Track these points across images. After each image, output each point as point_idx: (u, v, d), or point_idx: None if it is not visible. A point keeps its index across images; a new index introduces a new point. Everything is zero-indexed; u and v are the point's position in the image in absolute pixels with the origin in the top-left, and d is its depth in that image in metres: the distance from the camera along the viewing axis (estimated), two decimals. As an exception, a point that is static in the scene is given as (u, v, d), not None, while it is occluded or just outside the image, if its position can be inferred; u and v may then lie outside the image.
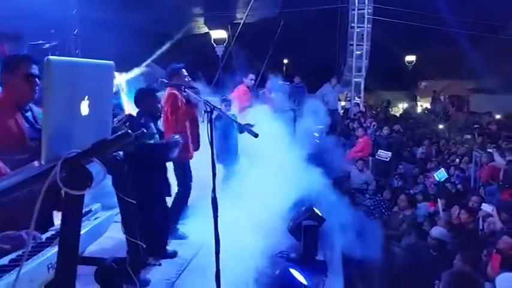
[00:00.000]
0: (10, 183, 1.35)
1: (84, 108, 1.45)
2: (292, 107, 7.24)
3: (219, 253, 2.97)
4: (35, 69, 2.47)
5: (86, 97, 1.44)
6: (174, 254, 4.19)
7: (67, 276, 1.39)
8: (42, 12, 7.10)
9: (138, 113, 3.95)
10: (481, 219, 6.27)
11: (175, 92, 4.15)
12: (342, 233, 5.03)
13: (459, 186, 8.58)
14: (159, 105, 3.99)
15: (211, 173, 3.01)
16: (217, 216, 3.00)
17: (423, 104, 19.27)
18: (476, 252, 4.90)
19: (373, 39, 14.37)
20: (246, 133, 3.77)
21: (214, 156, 3.09)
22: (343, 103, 15.06)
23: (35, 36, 7.17)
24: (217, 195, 3.01)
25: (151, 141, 3.68)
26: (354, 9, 14.21)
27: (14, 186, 1.33)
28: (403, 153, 11.22)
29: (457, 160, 10.34)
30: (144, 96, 3.95)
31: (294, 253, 4.41)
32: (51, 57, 1.31)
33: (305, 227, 4.35)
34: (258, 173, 4.83)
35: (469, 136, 12.57)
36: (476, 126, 13.77)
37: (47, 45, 7.24)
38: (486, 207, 6.21)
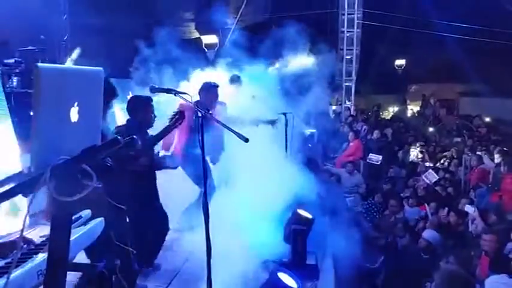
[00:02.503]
0: (2, 188, 1.36)
1: (74, 114, 1.45)
2: (283, 111, 7.25)
3: (210, 259, 2.96)
4: None
5: (76, 104, 1.45)
6: (158, 267, 4.14)
7: (56, 283, 1.39)
8: (32, 17, 7.07)
9: (128, 121, 3.84)
10: (470, 221, 6.34)
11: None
12: (333, 236, 5.05)
13: (449, 189, 8.66)
14: (153, 115, 3.85)
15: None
16: (208, 222, 3.00)
17: (413, 108, 19.42)
18: (467, 253, 4.96)
19: (362, 43, 14.49)
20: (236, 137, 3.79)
21: (206, 160, 3.09)
22: (334, 107, 15.14)
23: (24, 41, 7.12)
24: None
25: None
26: (343, 14, 14.32)
27: (5, 192, 1.34)
28: (393, 157, 11.30)
29: (446, 163, 10.44)
30: (139, 105, 3.82)
31: (285, 258, 4.42)
32: (40, 64, 1.32)
33: (294, 231, 4.37)
34: (248, 177, 4.83)
35: (459, 139, 12.69)
36: (466, 129, 13.93)
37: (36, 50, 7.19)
38: (469, 209, 6.31)
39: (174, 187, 4.57)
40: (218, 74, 6.78)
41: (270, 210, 4.64)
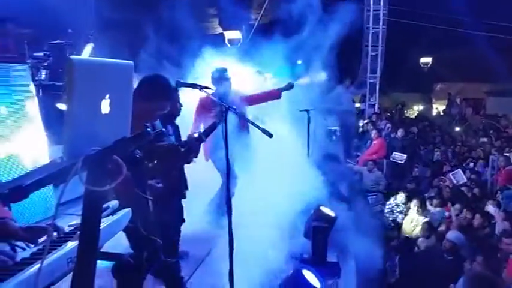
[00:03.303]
0: (34, 179, 1.39)
1: (105, 107, 1.47)
2: (306, 108, 7.21)
3: (232, 252, 2.98)
4: None
5: (107, 96, 1.47)
6: (186, 254, 4.19)
7: (86, 271, 1.42)
8: (60, 11, 7.20)
9: None
10: (496, 223, 6.21)
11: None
12: (356, 235, 5.00)
13: (475, 190, 8.47)
14: (179, 104, 3.85)
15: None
16: (231, 216, 3.01)
17: (438, 107, 19.06)
18: (495, 256, 4.86)
19: (388, 40, 14.27)
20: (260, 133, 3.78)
21: (229, 156, 3.10)
22: (357, 104, 14.97)
23: (53, 35, 7.27)
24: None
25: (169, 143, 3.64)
26: (369, 10, 14.12)
27: (38, 181, 1.37)
28: (418, 156, 11.12)
29: (472, 164, 10.21)
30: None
31: (307, 254, 4.41)
32: (73, 56, 1.34)
33: (314, 228, 4.35)
34: (271, 173, 4.83)
35: (485, 139, 12.40)
36: (492, 129, 13.60)
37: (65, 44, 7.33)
38: (491, 209, 6.19)
39: (197, 177, 4.60)
40: (241, 69, 6.80)
41: (291, 205, 4.64)
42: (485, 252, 4.92)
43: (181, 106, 3.89)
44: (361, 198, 7.68)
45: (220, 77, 4.97)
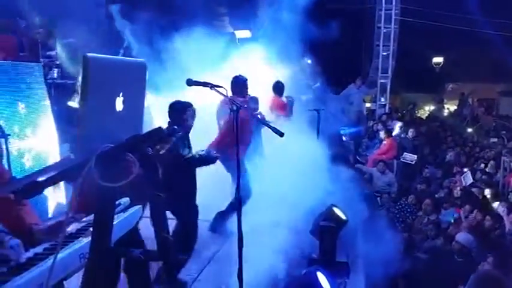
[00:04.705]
0: (47, 175, 1.41)
1: (119, 104, 1.49)
2: (316, 108, 7.20)
3: (241, 250, 2.99)
4: None
5: (121, 93, 1.49)
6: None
7: (99, 266, 1.44)
8: (72, 10, 7.26)
9: (169, 124, 3.86)
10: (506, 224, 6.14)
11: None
12: (365, 235, 4.98)
13: (486, 191, 8.37)
14: (189, 121, 3.92)
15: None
16: (240, 214, 3.02)
17: (449, 107, 18.87)
18: (507, 257, 4.81)
19: (400, 40, 14.16)
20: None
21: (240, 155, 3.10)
22: (368, 104, 14.88)
23: (66, 33, 7.33)
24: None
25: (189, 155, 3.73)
26: (381, 10, 14.03)
27: (52, 177, 1.39)
28: (429, 157, 11.02)
29: (482, 165, 10.09)
30: (175, 112, 3.88)
31: (315, 254, 4.41)
32: (89, 54, 1.36)
33: (322, 228, 4.33)
34: (282, 172, 4.83)
35: (495, 140, 12.25)
36: (504, 130, 13.43)
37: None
38: (500, 209, 6.13)
39: (208, 178, 4.63)
40: (252, 67, 6.85)
41: (299, 206, 4.63)
42: (495, 253, 4.86)
43: (193, 122, 3.95)
44: (370, 199, 7.64)
45: (238, 80, 5.04)
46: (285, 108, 6.87)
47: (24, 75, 4.77)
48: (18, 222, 1.86)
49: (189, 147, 3.97)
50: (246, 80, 5.17)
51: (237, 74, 5.21)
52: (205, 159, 3.96)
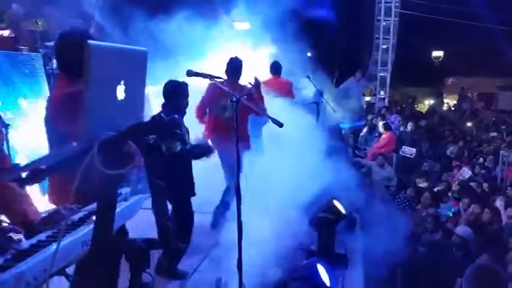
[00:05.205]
0: (50, 162, 1.42)
1: (120, 92, 1.49)
2: (315, 100, 7.20)
3: (241, 241, 3.00)
4: None
5: (122, 82, 1.49)
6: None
7: (101, 253, 1.45)
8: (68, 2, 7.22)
9: (163, 107, 3.80)
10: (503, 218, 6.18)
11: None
12: (364, 227, 5.01)
13: (484, 185, 8.40)
14: (187, 100, 3.85)
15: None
16: (240, 204, 3.02)
17: (449, 101, 18.88)
18: (502, 251, 4.84)
19: (399, 33, 14.13)
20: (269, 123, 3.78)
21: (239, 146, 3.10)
22: (367, 98, 14.88)
23: (64, 24, 7.30)
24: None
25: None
26: (380, 2, 13.98)
27: (54, 165, 1.40)
28: (427, 151, 11.04)
29: (481, 159, 10.12)
30: (177, 90, 3.79)
31: (314, 246, 4.43)
32: (90, 41, 1.36)
33: (320, 219, 4.35)
34: (280, 162, 4.83)
35: (495, 134, 12.28)
36: (504, 124, 13.46)
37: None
38: (498, 203, 6.18)
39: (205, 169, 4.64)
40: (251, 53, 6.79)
41: (298, 197, 4.64)
42: (492, 246, 4.90)
43: (188, 104, 3.90)
44: (368, 192, 7.66)
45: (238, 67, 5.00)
46: (289, 88, 6.61)
47: (24, 66, 4.77)
48: (20, 212, 1.87)
49: (188, 132, 3.86)
50: (241, 61, 5.05)
51: (233, 56, 5.08)
52: (202, 152, 3.93)
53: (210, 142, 4.49)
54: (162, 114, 1.49)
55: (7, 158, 1.98)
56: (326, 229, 4.36)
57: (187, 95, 3.86)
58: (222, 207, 4.87)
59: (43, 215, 1.97)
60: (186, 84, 3.85)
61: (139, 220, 2.33)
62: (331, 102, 8.64)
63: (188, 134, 3.84)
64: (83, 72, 1.38)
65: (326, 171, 5.07)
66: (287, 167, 4.69)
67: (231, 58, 5.06)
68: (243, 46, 7.28)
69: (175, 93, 3.79)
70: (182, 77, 3.65)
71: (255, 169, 4.76)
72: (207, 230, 4.60)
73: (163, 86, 3.88)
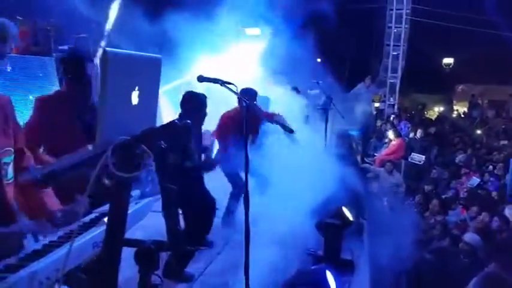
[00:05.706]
0: (66, 165, 1.46)
1: (135, 98, 1.53)
2: (324, 106, 7.22)
3: (248, 246, 3.02)
4: None
5: (137, 87, 1.53)
6: (211, 243, 4.25)
7: (112, 255, 1.49)
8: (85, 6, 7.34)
9: (180, 116, 3.82)
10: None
11: None
12: (371, 234, 5.00)
13: (493, 193, 8.35)
14: (204, 111, 3.87)
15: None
16: (248, 211, 3.05)
17: (459, 109, 18.74)
18: (510, 259, 4.80)
19: (410, 40, 14.11)
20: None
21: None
22: (376, 104, 14.86)
23: (79, 29, 7.42)
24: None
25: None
26: (391, 9, 13.99)
27: (69, 167, 1.44)
28: (437, 158, 10.98)
29: (491, 167, 10.04)
30: (195, 102, 3.82)
31: (320, 251, 4.44)
32: (108, 48, 1.40)
33: (327, 225, 4.36)
34: (287, 170, 4.85)
35: (505, 142, 12.18)
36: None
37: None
38: (506, 211, 6.14)
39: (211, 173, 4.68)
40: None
41: (306, 202, 4.65)
42: (501, 254, 4.86)
43: (206, 115, 3.93)
44: (375, 199, 7.65)
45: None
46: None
47: (37, 69, 4.86)
48: (40, 206, 1.93)
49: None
50: (256, 92, 4.85)
51: (246, 87, 4.74)
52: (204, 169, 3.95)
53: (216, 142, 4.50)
54: (176, 121, 1.52)
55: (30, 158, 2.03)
56: (333, 235, 4.37)
57: (205, 107, 3.87)
58: (228, 216, 4.91)
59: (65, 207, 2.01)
60: (205, 96, 3.86)
61: (148, 222, 2.38)
62: (341, 108, 8.65)
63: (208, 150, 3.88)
64: (100, 78, 1.43)
65: (334, 177, 5.08)
66: (294, 174, 4.71)
67: (245, 89, 4.64)
68: (253, 51, 7.33)
69: (192, 103, 3.81)
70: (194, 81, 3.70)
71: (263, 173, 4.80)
72: (214, 234, 4.63)
73: (182, 96, 3.89)
